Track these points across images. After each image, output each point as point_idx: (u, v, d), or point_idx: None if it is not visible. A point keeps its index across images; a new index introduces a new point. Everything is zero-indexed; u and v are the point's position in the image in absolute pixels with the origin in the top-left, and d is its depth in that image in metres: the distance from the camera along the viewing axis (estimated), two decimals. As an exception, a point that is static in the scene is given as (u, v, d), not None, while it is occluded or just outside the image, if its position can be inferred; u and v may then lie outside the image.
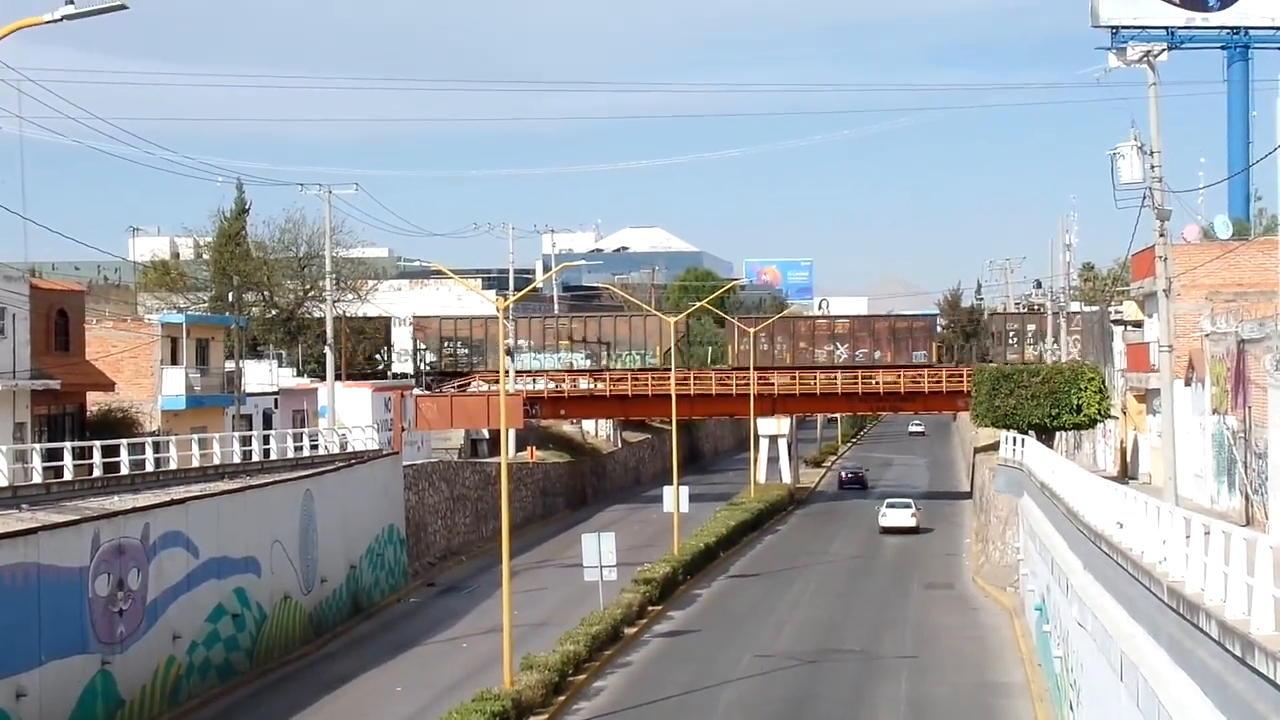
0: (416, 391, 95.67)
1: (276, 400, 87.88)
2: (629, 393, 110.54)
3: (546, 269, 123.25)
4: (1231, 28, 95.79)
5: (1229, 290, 64.35)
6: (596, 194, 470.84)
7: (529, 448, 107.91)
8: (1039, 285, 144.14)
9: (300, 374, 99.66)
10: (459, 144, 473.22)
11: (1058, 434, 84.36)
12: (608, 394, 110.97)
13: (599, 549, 59.86)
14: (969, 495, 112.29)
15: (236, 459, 65.90)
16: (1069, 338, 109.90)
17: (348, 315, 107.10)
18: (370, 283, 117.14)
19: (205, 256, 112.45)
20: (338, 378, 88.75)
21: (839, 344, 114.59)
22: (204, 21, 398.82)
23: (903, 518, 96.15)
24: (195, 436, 65.95)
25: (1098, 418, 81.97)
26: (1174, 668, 26.50)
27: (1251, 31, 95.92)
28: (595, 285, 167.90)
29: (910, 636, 61.29)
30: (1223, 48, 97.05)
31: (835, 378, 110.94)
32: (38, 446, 56.32)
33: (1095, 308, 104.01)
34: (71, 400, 69.34)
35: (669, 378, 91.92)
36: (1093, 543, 37.71)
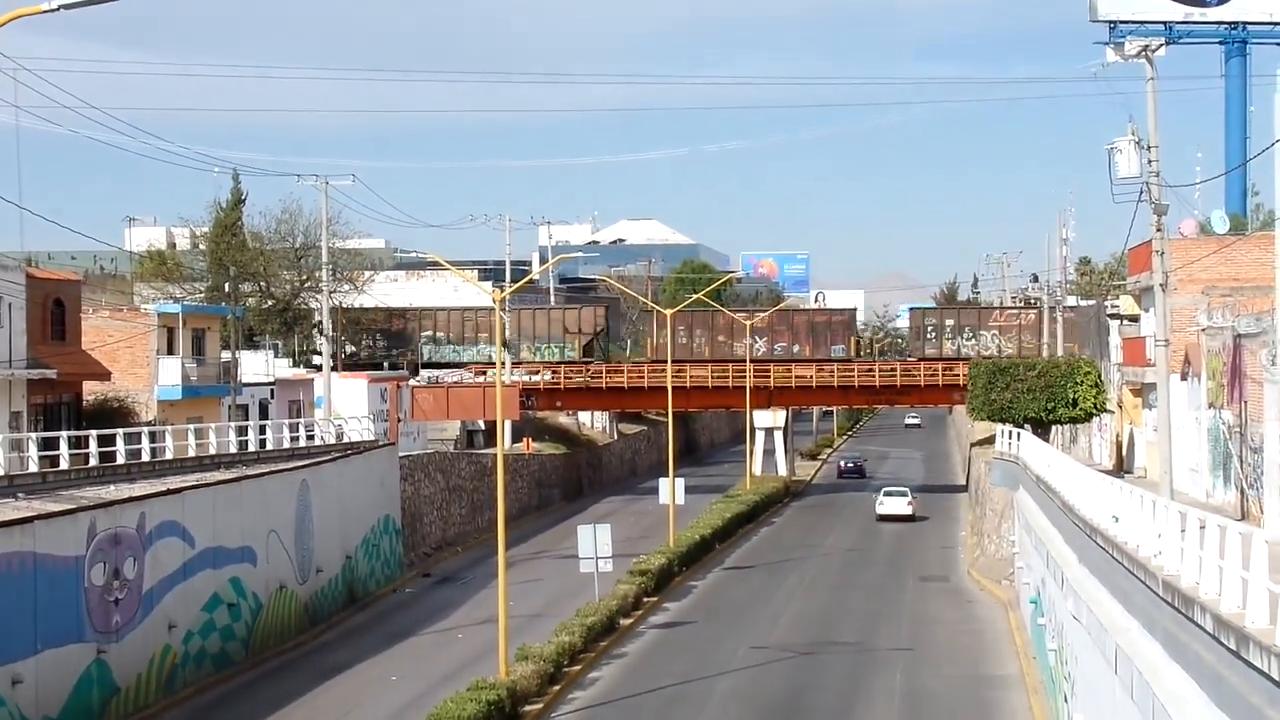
0: (412, 382, 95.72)
1: (272, 391, 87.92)
2: (625, 385, 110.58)
3: (543, 261, 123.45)
4: (1229, 23, 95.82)
5: (1225, 285, 64.37)
6: (593, 186, 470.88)
7: (525, 439, 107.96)
8: (1035, 279, 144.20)
9: (296, 364, 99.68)
10: (456, 135, 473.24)
11: (1053, 428, 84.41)
12: (604, 386, 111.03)
13: (595, 540, 59.93)
14: (964, 489, 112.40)
15: (232, 449, 65.96)
16: (1009, 329, 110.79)
17: (344, 306, 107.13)
18: (366, 274, 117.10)
19: (201, 247, 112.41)
20: (333, 368, 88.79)
21: (758, 337, 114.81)
22: (201, 11, 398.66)
23: (899, 505, 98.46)
24: (191, 426, 65.99)
25: (1094, 412, 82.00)
26: (1169, 661, 26.55)
27: (1249, 26, 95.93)
28: (592, 277, 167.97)
29: (905, 629, 61.36)
30: (1220, 43, 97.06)
31: (832, 370, 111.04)
32: (34, 435, 56.40)
33: (1092, 302, 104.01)
34: (68, 390, 69.36)
35: (664, 370, 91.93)
36: (1088, 536, 37.76)
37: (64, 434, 56.90)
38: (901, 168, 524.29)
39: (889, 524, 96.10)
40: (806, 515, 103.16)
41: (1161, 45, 48.81)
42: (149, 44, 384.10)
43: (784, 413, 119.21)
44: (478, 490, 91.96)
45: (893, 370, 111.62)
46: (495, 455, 56.06)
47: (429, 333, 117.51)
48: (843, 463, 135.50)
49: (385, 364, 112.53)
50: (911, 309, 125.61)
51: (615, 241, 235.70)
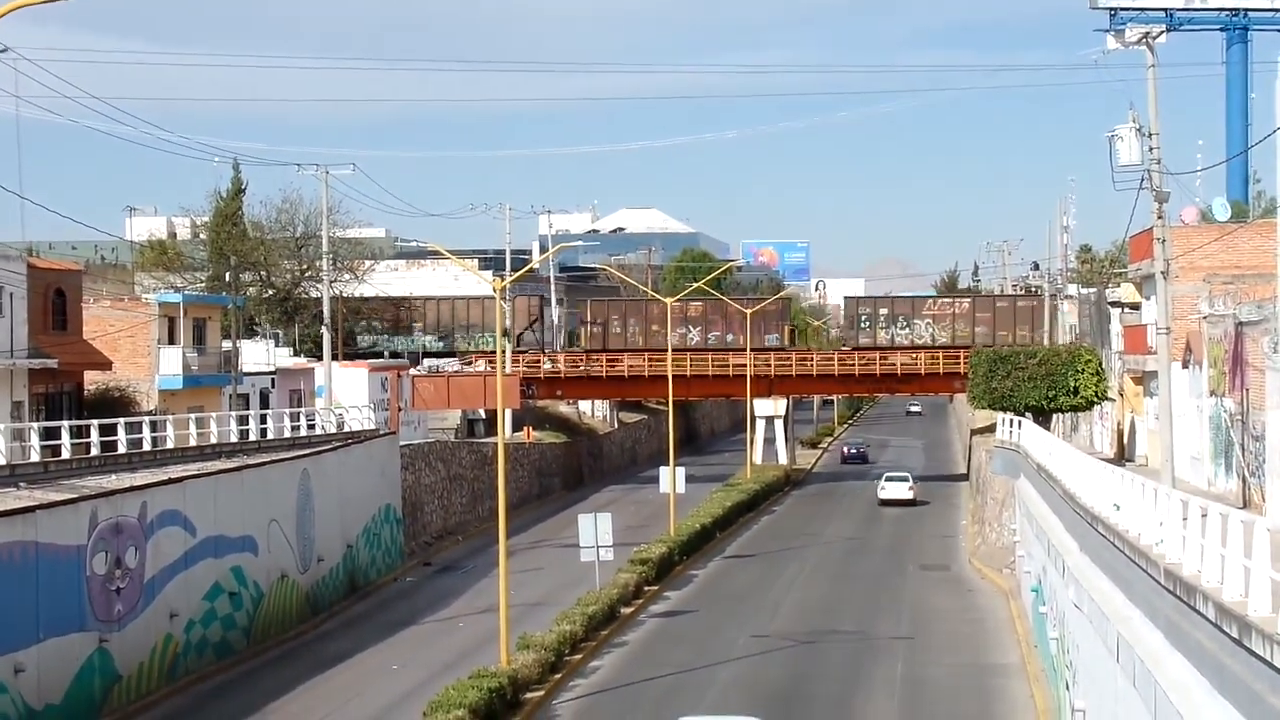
0: (413, 371, 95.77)
1: (273, 380, 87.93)
2: (626, 374, 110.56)
3: (543, 249, 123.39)
4: (1230, 9, 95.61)
5: (1227, 272, 64.34)
6: (593, 175, 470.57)
7: (525, 428, 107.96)
8: (1036, 267, 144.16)
9: (297, 354, 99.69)
10: (456, 124, 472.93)
11: (1054, 416, 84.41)
12: (604, 375, 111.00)
13: (595, 529, 59.92)
14: (965, 477, 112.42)
15: (234, 438, 65.97)
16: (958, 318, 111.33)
17: (345, 295, 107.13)
18: (367, 263, 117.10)
19: (202, 236, 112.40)
20: (334, 358, 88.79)
21: (691, 327, 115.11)
22: (202, 1, 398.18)
23: (900, 490, 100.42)
24: (192, 416, 66.02)
25: (1095, 400, 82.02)
26: (1170, 650, 26.56)
27: (1250, 13, 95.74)
28: (592, 266, 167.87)
29: (906, 618, 61.37)
30: (1221, 29, 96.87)
31: (832, 359, 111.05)
32: (35, 425, 56.42)
33: (1093, 290, 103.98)
34: (69, 379, 69.37)
35: (665, 359, 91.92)
36: (1089, 524, 37.76)
37: (65, 423, 56.91)
38: (902, 156, 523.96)
39: (890, 512, 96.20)
40: (807, 504, 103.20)
41: (1162, 32, 48.86)
42: (149, 33, 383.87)
43: (784, 401, 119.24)
44: (478, 479, 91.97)
45: (891, 360, 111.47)
46: (496, 444, 56.09)
47: (419, 324, 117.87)
48: (846, 449, 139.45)
49: (385, 353, 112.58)
50: (846, 298, 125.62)
51: (615, 230, 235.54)
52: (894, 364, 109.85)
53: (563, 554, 72.06)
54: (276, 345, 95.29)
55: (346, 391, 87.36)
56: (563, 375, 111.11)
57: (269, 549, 58.36)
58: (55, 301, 69.01)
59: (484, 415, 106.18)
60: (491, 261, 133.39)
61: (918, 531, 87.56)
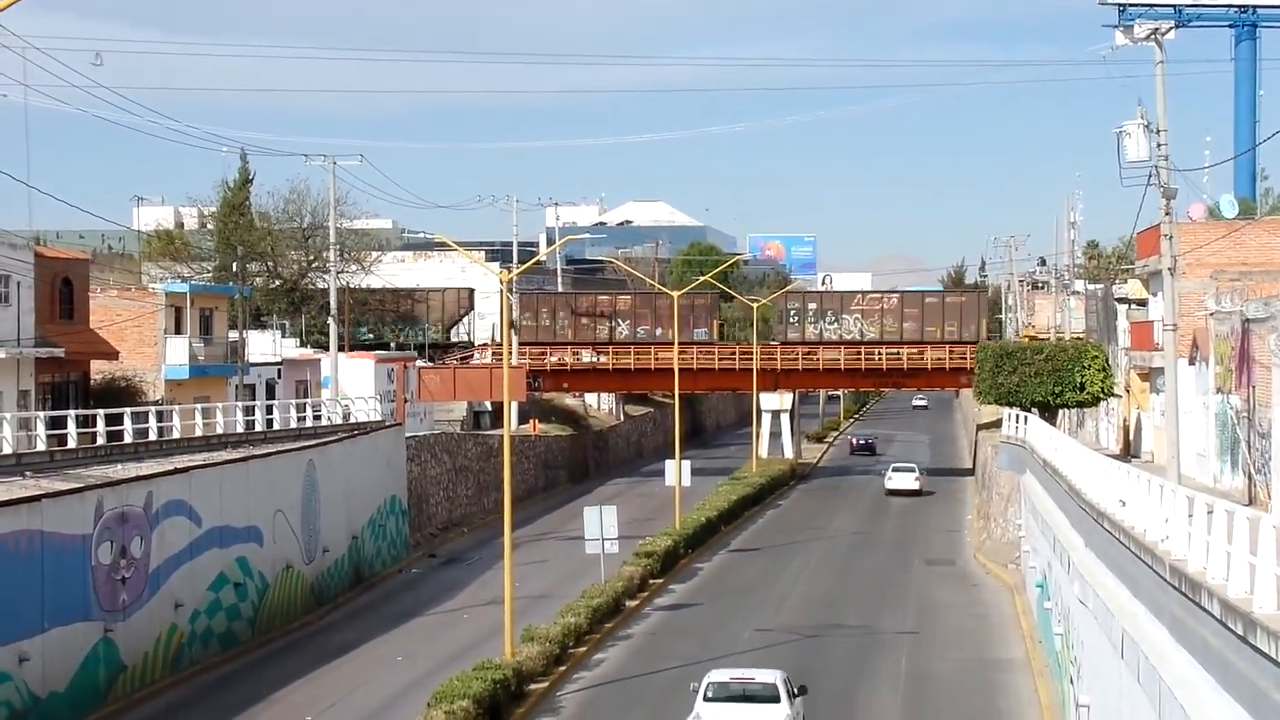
0: (419, 364, 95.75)
1: (280, 370, 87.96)
2: (632, 366, 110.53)
3: (550, 242, 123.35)
4: (1239, 6, 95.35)
5: (1234, 269, 64.28)
6: (600, 167, 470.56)
7: (531, 420, 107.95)
8: (1043, 262, 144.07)
9: (303, 345, 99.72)
10: (463, 116, 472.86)
11: (1060, 412, 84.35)
12: (610, 368, 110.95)
13: (600, 522, 59.93)
14: (971, 472, 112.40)
15: (240, 429, 66.00)
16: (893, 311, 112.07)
17: (351, 286, 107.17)
18: (374, 254, 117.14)
19: (209, 226, 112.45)
20: (341, 348, 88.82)
21: (621, 320, 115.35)
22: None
23: (907, 481, 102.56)
24: (198, 406, 66.06)
25: (1101, 396, 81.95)
26: (1175, 646, 26.54)
27: (1259, 10, 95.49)
28: (599, 259, 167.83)
29: (911, 612, 61.38)
30: (1230, 26, 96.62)
31: (839, 353, 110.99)
32: (41, 414, 56.46)
33: (1099, 286, 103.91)
34: (75, 368, 69.40)
35: (672, 351, 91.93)
36: (1095, 520, 37.74)
37: (71, 413, 56.96)
38: (909, 151, 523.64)
39: (895, 507, 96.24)
40: (812, 498, 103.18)
41: (1171, 28, 48.67)
42: (157, 23, 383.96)
43: (790, 395, 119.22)
44: (484, 471, 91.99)
45: (897, 354, 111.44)
46: (502, 436, 56.11)
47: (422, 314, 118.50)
48: (855, 439, 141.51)
49: (392, 344, 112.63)
50: (775, 294, 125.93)
51: (623, 223, 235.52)
52: (900, 359, 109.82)
53: (568, 546, 72.07)
54: (283, 336, 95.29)
55: (353, 383, 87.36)
56: (569, 368, 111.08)
57: (274, 540, 58.38)
58: (62, 290, 69.04)
59: (490, 407, 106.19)
60: (499, 253, 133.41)
61: (923, 526, 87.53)
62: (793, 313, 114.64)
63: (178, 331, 77.84)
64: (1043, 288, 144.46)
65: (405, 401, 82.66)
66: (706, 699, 40.46)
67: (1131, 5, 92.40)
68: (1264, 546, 21.48)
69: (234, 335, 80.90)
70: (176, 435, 60.91)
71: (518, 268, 75.86)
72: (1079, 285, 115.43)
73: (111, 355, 71.71)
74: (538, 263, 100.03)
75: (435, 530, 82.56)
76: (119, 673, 46.22)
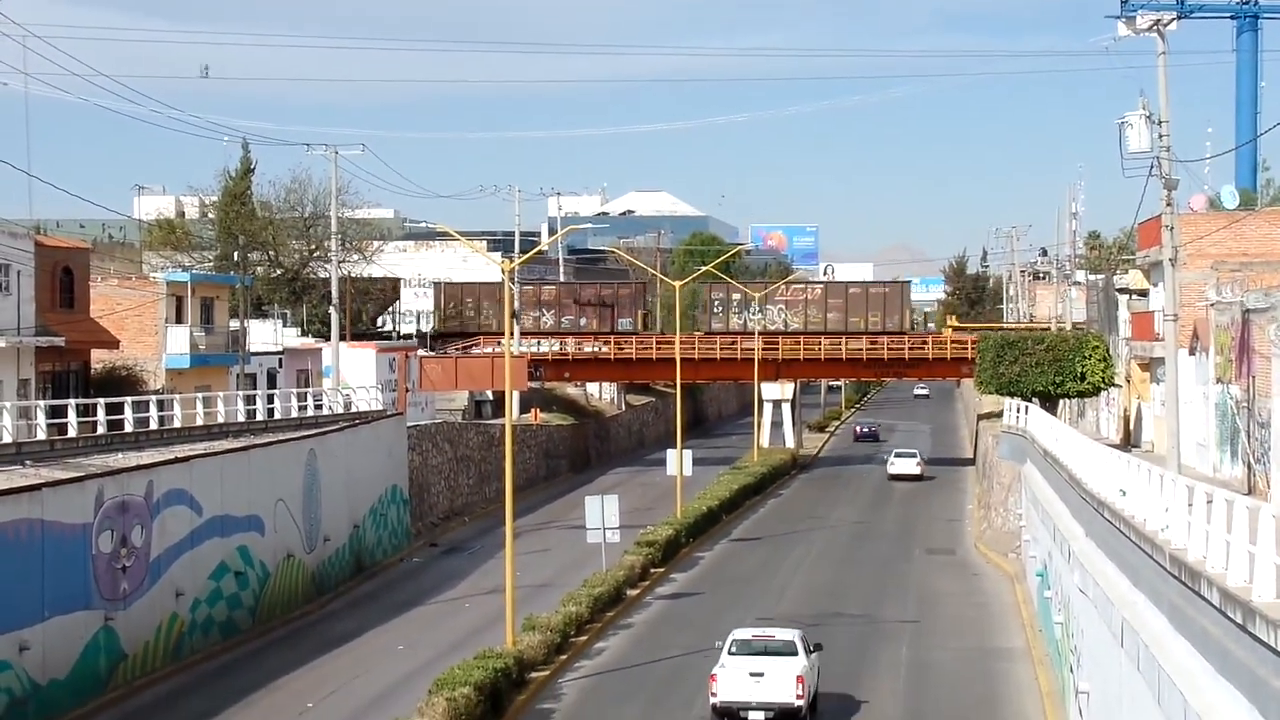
0: (421, 352, 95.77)
1: (281, 360, 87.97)
2: (633, 356, 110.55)
3: (552, 232, 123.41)
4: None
5: (1235, 260, 64.31)
6: (602, 157, 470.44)
7: (533, 410, 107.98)
8: (1044, 253, 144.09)
9: (305, 334, 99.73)
10: (466, 106, 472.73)
11: (1061, 401, 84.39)
12: (612, 357, 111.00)
13: (602, 511, 59.98)
14: (972, 462, 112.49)
15: (240, 418, 66.02)
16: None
17: (353, 276, 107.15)
18: (375, 244, 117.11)
19: (210, 215, 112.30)
20: (342, 338, 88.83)
21: (545, 310, 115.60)
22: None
23: (909, 466, 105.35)
24: (199, 395, 66.05)
25: (1102, 386, 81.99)
26: (1175, 635, 26.58)
27: (1261, 1, 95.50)
28: (601, 249, 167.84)
29: (912, 601, 61.43)
30: (1232, 17, 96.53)
31: (840, 343, 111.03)
32: (42, 403, 56.50)
33: (1101, 276, 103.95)
34: (76, 358, 69.41)
35: (673, 341, 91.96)
36: (1095, 510, 37.77)
37: (72, 402, 56.97)
38: (912, 141, 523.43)
39: (896, 496, 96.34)
40: (814, 487, 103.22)
41: (1173, 19, 48.67)
42: (159, 11, 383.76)
43: (792, 385, 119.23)
44: (485, 460, 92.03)
45: (901, 344, 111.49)
46: (503, 425, 56.09)
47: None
48: (859, 428, 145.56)
49: (394, 334, 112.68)
50: (700, 284, 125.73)
51: (625, 213, 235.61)
52: (902, 349, 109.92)
53: (569, 536, 72.11)
54: (284, 325, 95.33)
55: (354, 372, 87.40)
56: (570, 357, 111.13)
57: (275, 529, 58.43)
58: (63, 279, 69.04)
59: (491, 397, 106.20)
60: (501, 243, 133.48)
61: (924, 516, 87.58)
62: (717, 303, 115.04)
63: (178, 321, 77.83)
64: (1044, 278, 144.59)
65: (407, 391, 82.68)
66: (731, 653, 43.26)
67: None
68: (1263, 536, 21.52)
69: (235, 324, 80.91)
70: (177, 424, 60.92)
71: (520, 258, 75.84)
72: (1080, 276, 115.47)
73: (112, 344, 71.72)
74: (540, 252, 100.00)
75: (436, 519, 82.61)
76: (119, 661, 46.28)
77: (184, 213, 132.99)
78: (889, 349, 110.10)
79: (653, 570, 65.33)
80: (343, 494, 66.16)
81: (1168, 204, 47.07)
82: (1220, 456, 57.80)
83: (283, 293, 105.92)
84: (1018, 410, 70.49)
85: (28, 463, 48.12)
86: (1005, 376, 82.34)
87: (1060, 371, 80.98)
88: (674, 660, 49.93)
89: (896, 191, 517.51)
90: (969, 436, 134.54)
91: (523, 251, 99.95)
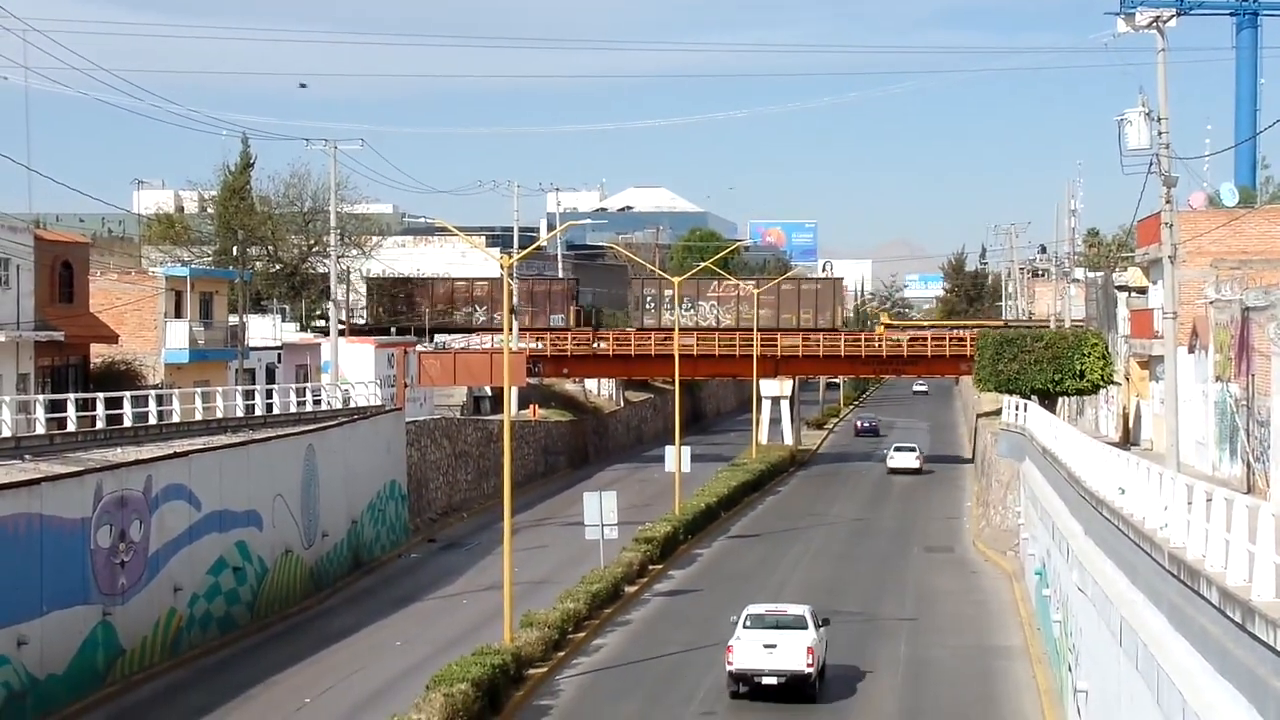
0: (419, 348, 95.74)
1: (280, 355, 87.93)
2: (632, 352, 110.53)
3: (551, 227, 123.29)
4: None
5: (1234, 257, 64.27)
6: (601, 153, 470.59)
7: (531, 406, 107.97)
8: (1043, 250, 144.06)
9: (303, 329, 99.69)
10: (465, 101, 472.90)
11: (1060, 399, 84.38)
12: (611, 353, 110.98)
13: (600, 507, 59.95)
14: (970, 460, 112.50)
15: (239, 413, 65.99)
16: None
17: (351, 271, 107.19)
18: (374, 239, 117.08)
19: (210, 210, 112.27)
20: (341, 333, 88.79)
21: (478, 306, 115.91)
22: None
23: (908, 460, 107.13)
24: (198, 390, 66.04)
25: (1101, 383, 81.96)
26: (1174, 634, 26.56)
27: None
28: (600, 245, 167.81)
29: (910, 599, 61.43)
30: (1232, 14, 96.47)
31: (839, 340, 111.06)
32: (41, 398, 56.44)
33: (1100, 273, 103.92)
34: (75, 352, 69.37)
35: (672, 338, 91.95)
36: (1094, 508, 37.75)
37: (71, 396, 56.95)
38: (911, 137, 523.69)
39: (895, 493, 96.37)
40: (812, 484, 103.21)
41: (1172, 16, 48.59)
42: (159, 6, 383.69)
43: (790, 382, 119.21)
44: (484, 456, 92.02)
45: (897, 340, 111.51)
46: (501, 421, 56.07)
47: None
48: (859, 423, 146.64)
49: (392, 329, 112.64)
50: (632, 279, 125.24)
51: (623, 209, 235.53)
52: (901, 346, 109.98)
53: (567, 532, 72.10)
54: (283, 320, 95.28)
55: (353, 367, 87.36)
56: (569, 354, 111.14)
57: (274, 524, 58.41)
58: (62, 274, 69.00)
59: (490, 392, 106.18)
60: (499, 238, 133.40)
61: (923, 513, 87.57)
62: (649, 299, 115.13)
63: (178, 315, 77.79)
64: (1043, 275, 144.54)
65: (405, 386, 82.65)
66: (745, 626, 45.73)
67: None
68: (1262, 534, 21.49)
69: (234, 319, 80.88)
70: (176, 419, 60.90)
71: (518, 253, 75.81)
72: (1079, 273, 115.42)
73: (111, 339, 71.70)
74: (538, 248, 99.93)
75: (435, 515, 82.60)
76: (117, 656, 46.27)
77: (183, 207, 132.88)
78: (887, 346, 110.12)
79: (651, 567, 65.32)
80: (341, 489, 66.15)
81: (1167, 201, 47.05)
82: (1219, 455, 57.78)
83: (282, 288, 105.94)
84: (1017, 408, 70.49)
85: (27, 457, 48.10)
86: (1004, 374, 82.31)
87: (1059, 369, 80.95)
88: (672, 657, 49.93)
89: (895, 188, 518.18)
90: (968, 434, 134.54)
91: (521, 247, 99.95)
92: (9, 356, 63.32)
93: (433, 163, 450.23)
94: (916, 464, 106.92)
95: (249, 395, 68.61)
